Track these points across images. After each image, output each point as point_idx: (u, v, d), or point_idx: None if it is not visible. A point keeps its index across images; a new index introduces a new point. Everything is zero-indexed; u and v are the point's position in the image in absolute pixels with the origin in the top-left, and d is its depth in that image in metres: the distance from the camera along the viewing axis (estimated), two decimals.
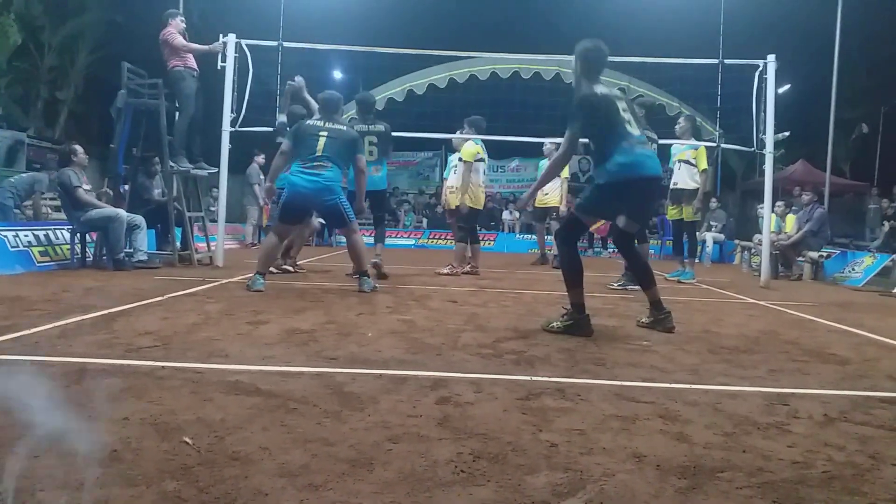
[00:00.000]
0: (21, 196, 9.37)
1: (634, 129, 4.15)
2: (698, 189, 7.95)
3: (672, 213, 8.40)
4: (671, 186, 8.25)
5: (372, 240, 7.75)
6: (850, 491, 1.75)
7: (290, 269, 7.39)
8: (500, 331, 4.06)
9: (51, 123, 18.84)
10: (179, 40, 7.68)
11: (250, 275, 5.80)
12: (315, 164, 5.78)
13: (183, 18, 8.02)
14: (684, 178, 8.08)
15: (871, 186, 18.39)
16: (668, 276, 8.10)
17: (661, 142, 7.92)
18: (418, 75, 15.02)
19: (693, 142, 8.12)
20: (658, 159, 4.35)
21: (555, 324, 4.13)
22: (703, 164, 7.94)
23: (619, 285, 7.08)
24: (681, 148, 8.18)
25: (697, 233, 14.35)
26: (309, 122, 6.08)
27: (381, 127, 7.32)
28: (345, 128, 6.07)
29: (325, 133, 5.87)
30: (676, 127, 8.22)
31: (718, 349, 3.74)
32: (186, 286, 5.72)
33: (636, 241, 5.22)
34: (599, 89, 4.16)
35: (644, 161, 4.08)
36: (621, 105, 4.17)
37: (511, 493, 1.66)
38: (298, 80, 7.35)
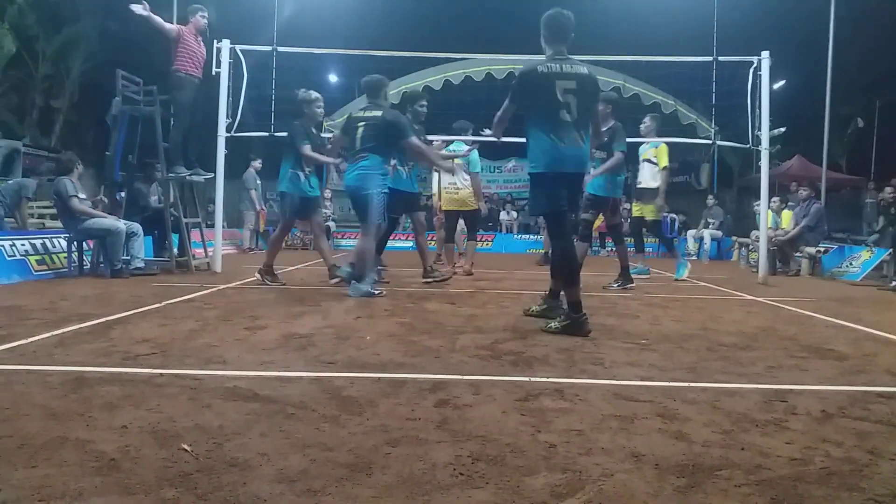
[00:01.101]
0: (9, 204, 9.33)
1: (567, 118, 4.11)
2: (658, 187, 8.01)
3: (635, 210, 8.63)
4: (636, 185, 8.47)
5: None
6: (848, 487, 1.75)
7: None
8: (498, 332, 4.06)
9: (46, 132, 18.84)
10: (165, 24, 7.44)
11: (249, 279, 5.81)
12: (356, 156, 5.80)
13: (205, 14, 7.71)
14: (646, 177, 8.22)
15: (867, 181, 18.41)
16: (676, 277, 8.15)
17: (658, 140, 7.99)
18: (413, 77, 15.00)
19: (655, 139, 8.15)
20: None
21: (552, 324, 4.12)
22: (664, 162, 8.00)
23: (618, 286, 7.07)
24: (646, 147, 8.25)
25: (695, 230, 14.52)
26: (355, 113, 6.04)
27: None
28: (380, 112, 5.84)
29: (363, 123, 5.83)
30: (642, 126, 8.26)
31: (717, 346, 3.74)
32: (184, 293, 5.72)
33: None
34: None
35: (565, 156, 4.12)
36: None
37: (510, 494, 1.66)
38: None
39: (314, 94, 6.61)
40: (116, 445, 1.93)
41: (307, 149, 6.32)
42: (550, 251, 4.89)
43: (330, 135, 6.66)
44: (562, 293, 4.48)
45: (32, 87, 18.19)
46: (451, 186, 8.29)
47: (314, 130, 6.70)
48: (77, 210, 7.13)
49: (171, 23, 7.72)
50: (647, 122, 8.25)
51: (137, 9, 7.11)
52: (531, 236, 17.34)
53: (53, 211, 9.05)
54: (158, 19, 7.38)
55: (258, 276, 6.68)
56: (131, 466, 1.78)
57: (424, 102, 6.99)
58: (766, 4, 18.19)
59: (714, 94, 8.79)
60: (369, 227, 5.75)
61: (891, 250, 9.16)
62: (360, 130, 5.76)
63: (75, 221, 7.15)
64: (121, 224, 7.22)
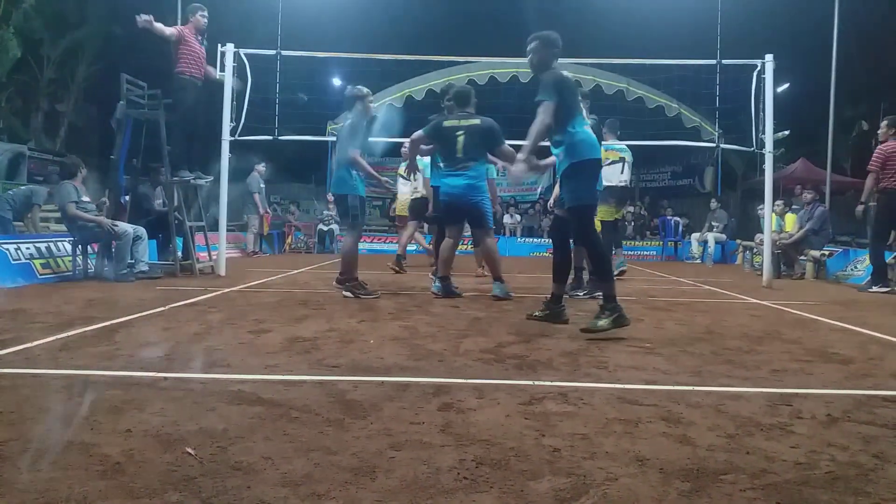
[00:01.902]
0: (18, 209, 9.37)
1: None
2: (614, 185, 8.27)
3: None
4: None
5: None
6: (854, 491, 1.74)
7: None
8: (502, 335, 4.06)
9: (51, 136, 18.90)
10: (166, 30, 7.42)
11: (253, 283, 5.82)
12: (458, 164, 5.91)
13: (205, 14, 7.76)
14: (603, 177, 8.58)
15: None
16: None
17: (653, 143, 8.02)
18: (417, 81, 15.04)
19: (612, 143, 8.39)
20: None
21: (601, 322, 4.06)
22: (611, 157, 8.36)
23: (584, 294, 6.51)
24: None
25: (699, 233, 14.50)
26: (446, 122, 6.03)
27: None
28: (478, 121, 5.99)
29: (462, 132, 5.90)
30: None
31: (721, 350, 3.73)
32: (188, 296, 5.73)
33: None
34: None
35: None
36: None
37: (514, 499, 1.65)
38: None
39: (365, 90, 6.50)
40: (121, 449, 1.93)
41: (357, 154, 6.03)
42: (561, 253, 4.89)
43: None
44: (564, 296, 4.73)
45: (37, 91, 18.24)
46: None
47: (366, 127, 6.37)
48: (70, 214, 7.16)
49: (174, 24, 7.73)
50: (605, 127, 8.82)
51: (142, 20, 7.17)
52: (534, 239, 17.35)
53: (58, 215, 9.07)
54: (159, 26, 7.40)
55: (348, 293, 6.01)
56: (135, 470, 1.78)
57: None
58: (770, 7, 18.17)
59: (718, 98, 8.80)
60: (488, 231, 6.16)
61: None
62: (462, 139, 5.89)
63: (80, 225, 7.17)
64: (129, 228, 7.25)
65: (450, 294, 6.07)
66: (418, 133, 6.08)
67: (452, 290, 6.15)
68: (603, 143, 8.19)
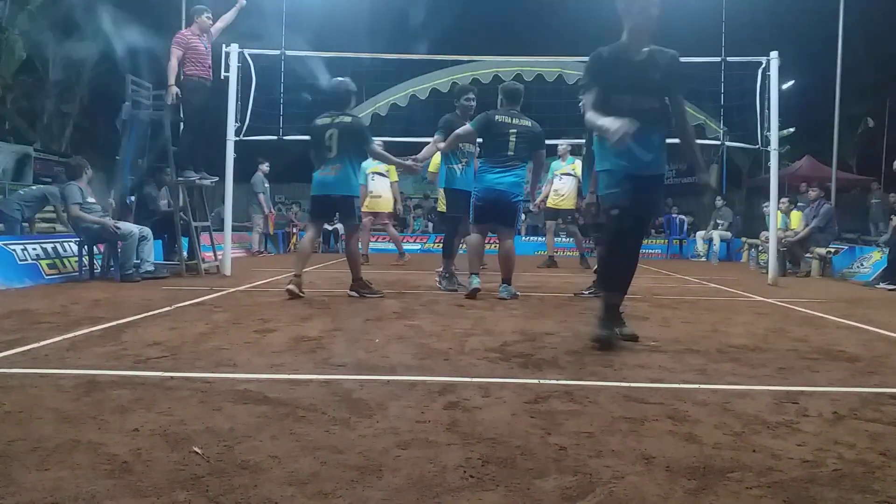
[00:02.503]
0: (28, 210, 9.40)
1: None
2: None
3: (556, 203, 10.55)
4: (555, 192, 10.49)
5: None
6: (860, 489, 1.74)
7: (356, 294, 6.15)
8: (507, 334, 4.06)
9: (57, 137, 18.97)
10: (171, 61, 7.46)
11: (258, 282, 5.83)
12: (508, 162, 5.87)
13: (210, 15, 7.79)
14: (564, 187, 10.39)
15: (874, 181, 18.27)
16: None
17: (666, 140, 8.08)
18: (421, 80, 15.02)
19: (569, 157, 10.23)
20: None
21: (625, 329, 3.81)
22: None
23: (588, 292, 6.50)
24: (561, 164, 10.38)
25: (704, 231, 14.47)
26: (498, 117, 5.92)
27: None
28: (529, 124, 5.98)
29: (514, 131, 5.87)
30: (559, 148, 10.13)
31: (727, 348, 3.72)
32: (194, 296, 5.74)
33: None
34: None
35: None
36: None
37: (520, 497, 1.66)
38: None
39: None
40: (128, 448, 1.94)
41: (375, 145, 6.08)
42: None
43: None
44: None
45: (43, 93, 18.32)
46: None
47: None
48: (72, 215, 7.20)
49: (181, 26, 7.77)
50: (564, 146, 9.95)
51: (171, 95, 7.44)
52: (539, 238, 17.31)
53: (65, 215, 9.11)
54: (172, 72, 7.50)
55: (353, 292, 5.97)
56: (143, 469, 1.79)
57: (472, 96, 6.69)
58: (775, 5, 18.11)
59: (723, 95, 8.77)
60: (512, 231, 6.12)
61: None
62: (514, 139, 5.85)
63: (85, 226, 7.20)
64: (135, 228, 7.28)
65: (475, 290, 5.94)
66: (467, 128, 6.00)
67: (458, 285, 6.18)
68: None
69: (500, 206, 5.93)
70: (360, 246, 7.46)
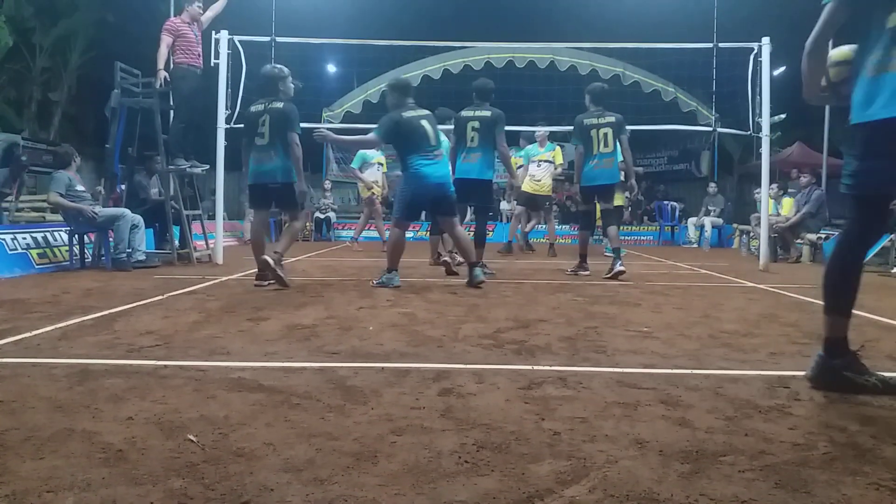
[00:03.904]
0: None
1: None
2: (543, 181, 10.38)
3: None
4: (531, 177, 10.41)
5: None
6: (851, 471, 1.76)
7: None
8: (500, 321, 4.07)
9: (45, 125, 18.79)
10: (161, 48, 7.45)
11: (251, 270, 5.82)
12: (435, 151, 5.91)
13: (200, 4, 7.79)
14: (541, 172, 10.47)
15: None
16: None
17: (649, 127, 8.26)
18: (413, 67, 14.96)
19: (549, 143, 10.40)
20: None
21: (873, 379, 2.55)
22: (560, 160, 10.58)
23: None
24: (539, 150, 10.38)
25: (696, 218, 14.53)
26: (405, 114, 5.94)
27: (487, 113, 6.83)
28: (429, 112, 6.13)
29: (426, 122, 5.93)
30: (537, 135, 10.34)
31: (718, 333, 3.75)
32: (186, 284, 5.73)
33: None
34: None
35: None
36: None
37: (515, 482, 1.67)
38: None
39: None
40: (123, 437, 1.94)
41: (295, 133, 5.85)
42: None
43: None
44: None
45: (30, 81, 18.12)
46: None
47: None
48: (53, 203, 7.20)
49: (170, 14, 7.72)
50: (542, 132, 10.19)
51: (160, 79, 7.49)
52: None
53: (44, 204, 9.05)
54: (162, 61, 7.50)
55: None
56: (138, 457, 1.79)
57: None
58: None
59: (714, 82, 8.80)
60: (457, 218, 6.25)
61: (892, 236, 9.14)
62: (429, 128, 5.90)
63: (72, 214, 7.15)
64: (127, 211, 7.25)
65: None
66: (372, 135, 6.03)
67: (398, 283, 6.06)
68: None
69: (439, 198, 5.95)
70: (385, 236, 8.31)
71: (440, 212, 6.11)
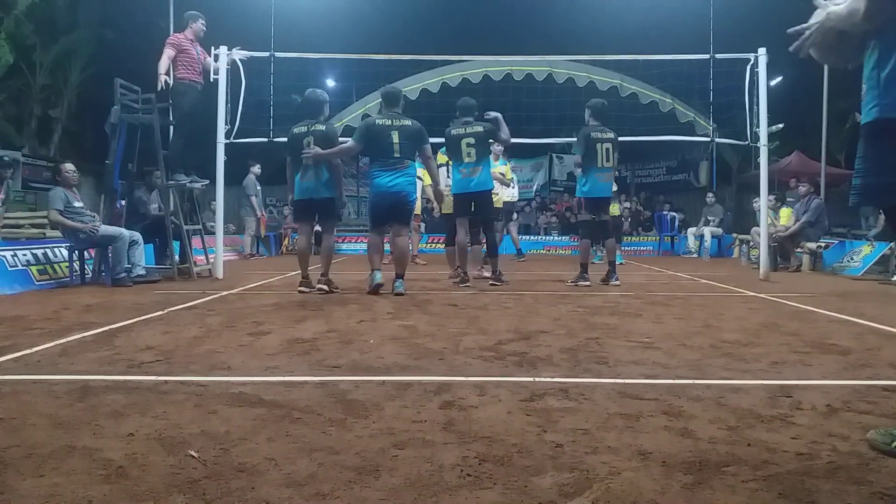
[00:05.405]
0: None
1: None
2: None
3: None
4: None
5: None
6: (855, 480, 1.75)
7: (325, 287, 6.49)
8: (501, 333, 4.06)
9: (45, 142, 18.86)
10: (162, 60, 7.48)
11: (251, 285, 5.82)
12: (397, 164, 6.14)
13: (204, 22, 7.87)
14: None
15: None
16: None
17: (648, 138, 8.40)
18: (411, 80, 15.00)
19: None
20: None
21: None
22: (510, 175, 10.96)
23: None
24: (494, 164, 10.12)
25: (695, 228, 14.54)
26: (378, 121, 6.28)
27: (479, 128, 7.04)
28: (410, 122, 6.27)
29: (397, 132, 6.11)
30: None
31: (720, 343, 3.74)
32: (186, 299, 5.72)
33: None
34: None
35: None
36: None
37: (518, 494, 1.66)
38: None
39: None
40: (124, 453, 1.93)
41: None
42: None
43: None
44: None
45: (30, 98, 18.21)
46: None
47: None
48: (53, 221, 7.21)
49: (169, 31, 7.76)
50: (497, 147, 9.71)
51: (161, 80, 7.49)
52: (531, 237, 17.35)
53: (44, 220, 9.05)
54: (164, 67, 7.52)
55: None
56: (139, 474, 1.78)
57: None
58: (762, 1, 18.19)
59: (712, 92, 8.82)
60: (406, 228, 6.67)
61: (892, 244, 9.16)
62: (397, 139, 6.12)
63: (71, 231, 7.16)
64: (125, 231, 7.25)
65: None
66: (350, 143, 6.36)
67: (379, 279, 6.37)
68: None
69: (396, 207, 6.22)
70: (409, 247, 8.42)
71: (394, 219, 6.32)
